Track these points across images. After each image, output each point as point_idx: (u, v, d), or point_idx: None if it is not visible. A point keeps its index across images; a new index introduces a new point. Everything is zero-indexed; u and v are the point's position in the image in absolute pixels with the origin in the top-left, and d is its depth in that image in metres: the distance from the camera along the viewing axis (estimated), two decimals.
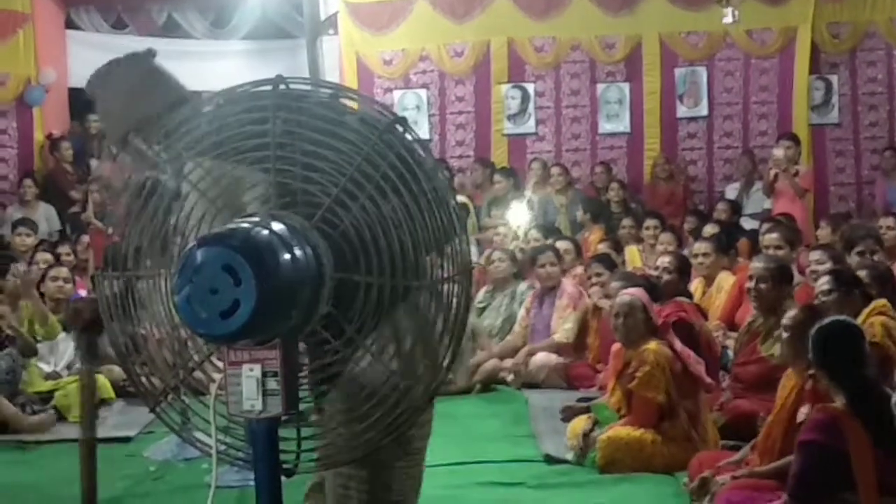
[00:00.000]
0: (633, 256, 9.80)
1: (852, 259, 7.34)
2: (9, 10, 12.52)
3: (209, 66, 12.83)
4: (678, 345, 5.99)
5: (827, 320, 4.61)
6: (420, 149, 2.56)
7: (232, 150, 2.59)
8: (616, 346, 6.34)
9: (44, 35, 12.74)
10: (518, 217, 10.81)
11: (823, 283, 5.98)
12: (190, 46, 13.44)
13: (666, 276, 7.42)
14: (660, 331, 6.05)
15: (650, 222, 9.96)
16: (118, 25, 13.59)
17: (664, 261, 7.69)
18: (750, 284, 6.53)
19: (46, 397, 7.40)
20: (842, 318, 4.69)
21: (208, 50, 13.36)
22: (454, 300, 2.55)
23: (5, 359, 7.24)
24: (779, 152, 10.88)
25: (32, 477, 6.17)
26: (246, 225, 2.32)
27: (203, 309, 2.20)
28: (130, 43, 13.34)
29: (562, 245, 9.28)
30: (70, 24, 13.43)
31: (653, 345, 5.91)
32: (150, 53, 3.37)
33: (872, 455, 4.15)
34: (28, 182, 11.63)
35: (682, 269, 7.70)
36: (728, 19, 10.73)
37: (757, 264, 6.64)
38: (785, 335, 5.09)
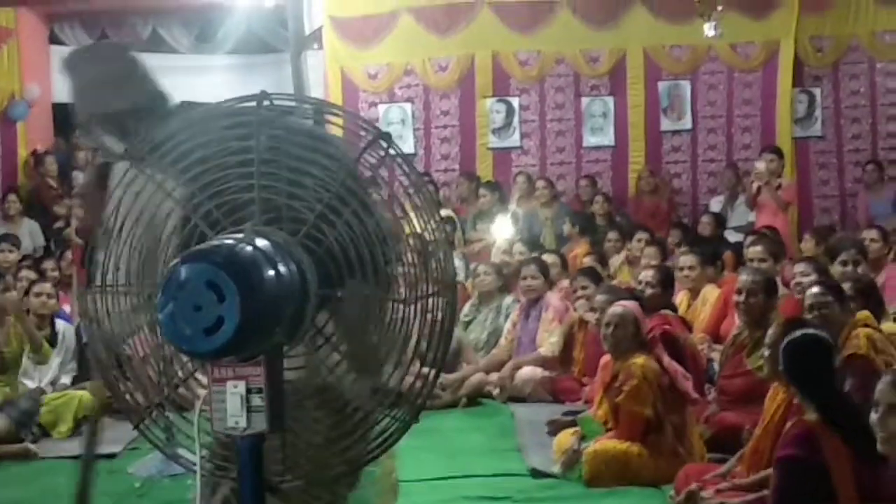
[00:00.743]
0: (621, 269, 9.81)
1: (835, 269, 7.35)
2: None
3: (194, 81, 12.78)
4: (666, 360, 6.00)
5: (797, 333, 4.62)
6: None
7: (216, 166, 2.59)
8: (604, 359, 6.35)
9: (27, 50, 12.74)
10: (503, 231, 10.82)
11: (816, 293, 5.91)
12: (175, 61, 13.43)
13: (649, 290, 7.42)
14: (649, 345, 6.06)
15: (641, 235, 9.96)
16: (102, 40, 13.57)
17: (647, 274, 7.71)
18: (739, 298, 6.53)
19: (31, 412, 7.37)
20: (811, 331, 4.69)
21: (193, 64, 13.36)
22: (439, 314, 2.55)
23: None
24: (761, 165, 10.92)
25: (18, 494, 6.14)
26: (230, 241, 2.32)
27: (187, 326, 2.20)
28: None
29: (548, 258, 9.28)
30: (54, 40, 13.43)
31: (640, 359, 5.92)
32: (130, 47, 3.43)
33: (851, 466, 4.15)
34: (12, 198, 11.60)
35: (666, 282, 7.72)
36: (710, 32, 10.78)
37: (745, 277, 6.65)
38: (767, 351, 5.10)
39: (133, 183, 2.58)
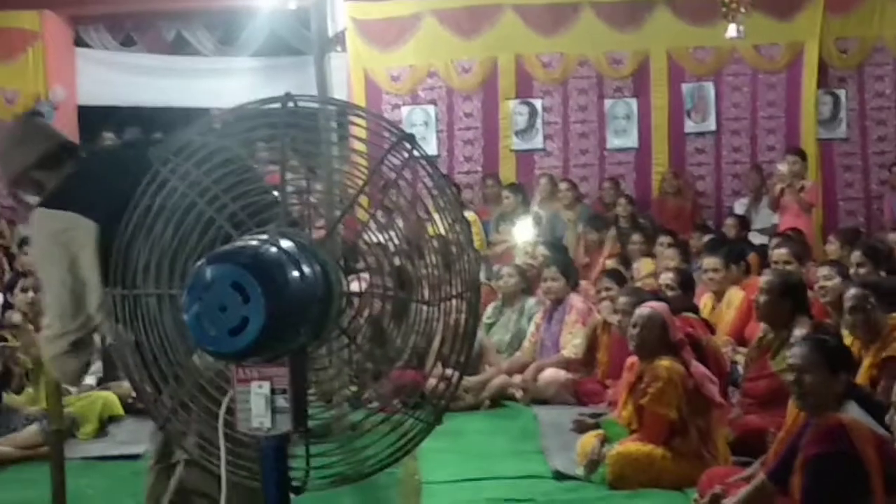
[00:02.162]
0: (647, 269, 9.77)
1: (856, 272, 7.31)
2: (18, 28, 12.59)
3: (218, 83, 12.91)
4: (693, 363, 5.98)
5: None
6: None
7: (241, 168, 2.61)
8: (630, 360, 6.34)
9: (53, 53, 12.80)
10: (525, 233, 10.81)
11: (857, 294, 5.88)
12: (199, 63, 13.50)
13: (669, 293, 7.41)
14: (676, 348, 6.03)
15: (663, 239, 9.93)
16: (127, 43, 13.64)
17: (667, 277, 7.68)
18: (757, 299, 6.52)
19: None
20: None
21: (217, 67, 13.41)
22: (462, 316, 2.55)
23: None
24: (783, 167, 10.88)
25: (42, 494, 6.16)
26: (255, 242, 2.33)
27: (212, 326, 2.21)
28: (139, 60, 13.43)
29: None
30: (79, 42, 13.48)
31: (666, 361, 5.90)
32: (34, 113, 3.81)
33: (881, 458, 4.13)
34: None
35: (685, 284, 7.69)
36: (732, 34, 10.73)
37: (763, 279, 6.63)
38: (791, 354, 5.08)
39: (159, 185, 2.60)
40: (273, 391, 2.33)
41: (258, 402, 2.34)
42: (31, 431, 7.02)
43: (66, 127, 12.94)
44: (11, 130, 3.72)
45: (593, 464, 5.99)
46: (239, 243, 2.35)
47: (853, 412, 4.38)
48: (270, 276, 2.21)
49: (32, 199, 3.53)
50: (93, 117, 13.03)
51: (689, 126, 12.82)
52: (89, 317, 3.28)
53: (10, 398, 7.36)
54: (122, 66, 13.34)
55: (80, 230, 3.23)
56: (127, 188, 2.63)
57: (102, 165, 3.49)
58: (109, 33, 13.54)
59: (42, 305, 3.55)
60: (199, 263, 2.28)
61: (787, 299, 6.38)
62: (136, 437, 7.11)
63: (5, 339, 7.42)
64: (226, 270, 2.21)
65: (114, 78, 13.14)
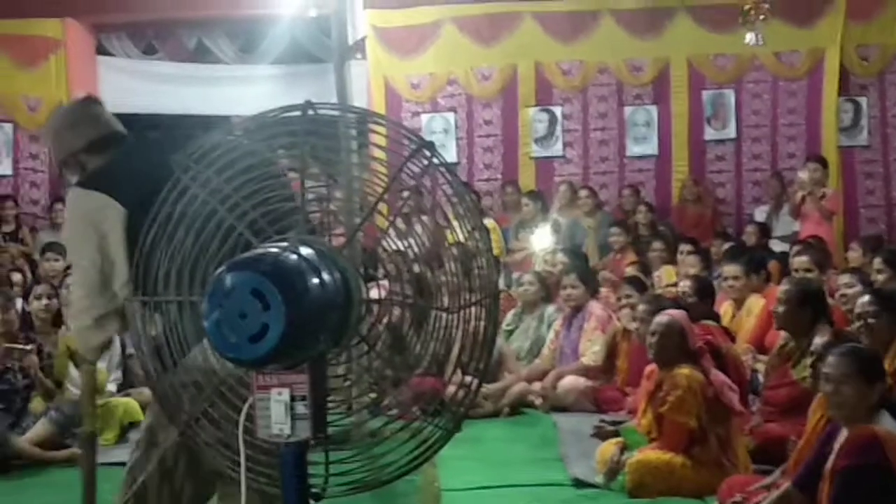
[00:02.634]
0: (668, 276, 9.75)
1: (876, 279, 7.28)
2: (41, 36, 12.67)
3: (239, 91, 12.95)
4: (713, 371, 5.95)
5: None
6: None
7: (261, 175, 2.63)
8: (649, 368, 6.31)
9: (75, 61, 12.87)
10: (545, 240, 10.80)
11: (865, 303, 5.87)
12: (220, 71, 13.55)
13: (688, 301, 7.38)
14: (695, 356, 6.00)
15: (684, 247, 9.89)
16: (149, 51, 13.70)
17: (685, 284, 7.65)
18: (776, 309, 6.51)
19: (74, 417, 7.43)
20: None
21: (238, 75, 13.47)
22: (481, 323, 2.55)
23: None
24: (804, 175, 10.85)
25: (63, 500, 6.19)
26: (275, 249, 2.34)
27: (232, 333, 2.21)
28: (161, 68, 13.49)
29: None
30: (101, 50, 13.55)
31: (686, 369, 5.87)
32: (89, 98, 3.94)
33: None
34: (59, 206, 11.70)
35: (704, 292, 7.67)
36: (752, 42, 10.71)
37: (782, 287, 6.61)
38: (814, 362, 5.06)
39: (180, 192, 2.61)
40: (293, 398, 2.34)
41: (278, 409, 2.34)
42: (42, 424, 7.11)
43: None
44: (67, 113, 3.84)
45: (613, 471, 5.98)
46: (259, 250, 2.36)
47: (887, 423, 4.36)
48: (290, 284, 2.22)
49: (75, 180, 3.67)
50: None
51: (710, 133, 12.80)
52: (114, 294, 3.39)
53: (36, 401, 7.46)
54: (144, 74, 13.41)
55: (111, 210, 3.33)
56: (155, 179, 2.70)
57: (137, 154, 3.58)
58: (131, 41, 13.62)
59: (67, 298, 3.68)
60: (219, 270, 2.29)
61: (807, 308, 6.35)
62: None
63: (31, 342, 7.50)
64: (246, 278, 2.22)
65: (135, 86, 13.20)
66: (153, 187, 2.68)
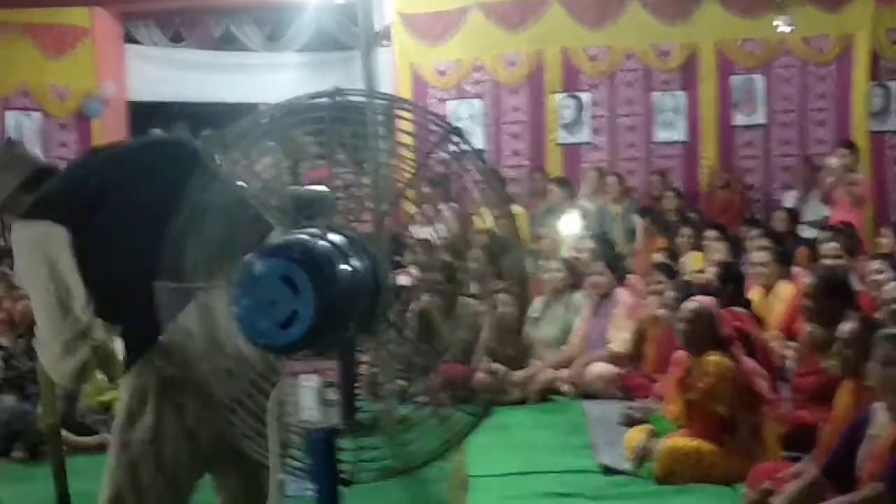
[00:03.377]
0: (697, 262, 9.70)
1: None
2: (68, 25, 12.75)
3: (266, 78, 12.99)
4: (743, 358, 5.93)
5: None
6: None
7: (290, 162, 2.63)
8: (677, 355, 6.29)
9: (103, 49, 12.94)
10: (572, 226, 10.78)
11: (893, 289, 5.84)
12: (247, 59, 13.60)
13: (716, 287, 7.35)
14: (725, 342, 5.98)
15: (710, 233, 9.84)
16: (176, 39, 13.76)
17: (713, 271, 7.61)
18: (803, 301, 6.47)
19: (109, 406, 7.46)
20: None
21: (264, 62, 13.51)
22: (509, 310, 2.54)
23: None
24: (834, 161, 10.76)
25: (91, 486, 6.22)
26: (304, 236, 2.34)
27: (262, 320, 2.22)
28: (188, 56, 13.54)
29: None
30: (129, 38, 13.61)
31: (716, 356, 5.85)
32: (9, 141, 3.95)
33: None
34: None
35: (734, 278, 7.63)
36: (782, 27, 10.62)
37: (808, 280, 6.56)
38: (840, 348, 5.02)
39: (208, 179, 2.62)
40: (322, 384, 2.34)
41: (307, 395, 2.35)
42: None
43: (116, 123, 13.11)
44: None
45: (641, 458, 5.97)
46: (288, 237, 2.36)
47: None
48: (320, 270, 2.22)
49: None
50: (142, 113, 13.15)
51: (738, 119, 12.72)
52: (76, 318, 3.38)
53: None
54: (171, 62, 13.47)
55: (54, 235, 3.33)
56: (89, 195, 2.85)
57: (66, 177, 3.60)
58: (159, 29, 13.68)
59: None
60: (248, 257, 2.29)
61: (834, 299, 6.31)
62: None
63: None
64: (275, 264, 2.22)
65: (163, 74, 13.27)
66: (91, 201, 2.67)
